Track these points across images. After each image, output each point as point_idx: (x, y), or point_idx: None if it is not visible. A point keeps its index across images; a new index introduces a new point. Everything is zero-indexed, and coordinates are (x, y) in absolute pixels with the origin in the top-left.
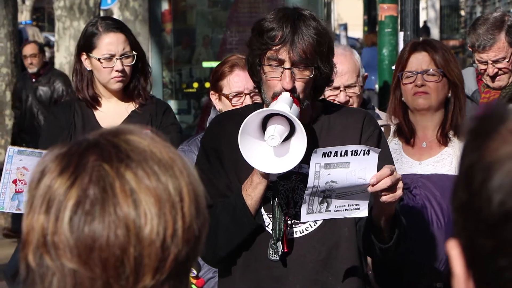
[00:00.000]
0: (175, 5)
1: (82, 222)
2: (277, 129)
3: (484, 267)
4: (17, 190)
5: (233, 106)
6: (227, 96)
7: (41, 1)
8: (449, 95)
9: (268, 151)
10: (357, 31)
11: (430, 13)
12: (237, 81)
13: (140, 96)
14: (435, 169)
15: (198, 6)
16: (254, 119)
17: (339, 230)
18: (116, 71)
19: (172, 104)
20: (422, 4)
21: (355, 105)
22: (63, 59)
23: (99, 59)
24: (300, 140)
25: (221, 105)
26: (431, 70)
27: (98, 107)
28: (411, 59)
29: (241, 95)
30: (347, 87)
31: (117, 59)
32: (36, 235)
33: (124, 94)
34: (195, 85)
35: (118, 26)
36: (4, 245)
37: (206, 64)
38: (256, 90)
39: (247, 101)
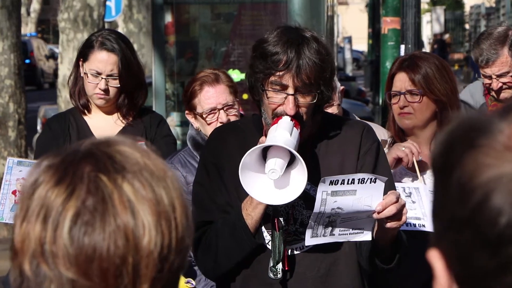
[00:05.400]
0: (178, 17)
1: (82, 232)
2: (277, 163)
3: (483, 282)
4: (16, 201)
5: (209, 124)
6: (201, 115)
7: (46, 13)
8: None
9: (269, 183)
10: (361, 44)
11: (435, 26)
12: (208, 97)
13: (128, 115)
14: None
15: (201, 19)
16: (253, 152)
17: (338, 246)
18: (99, 88)
19: (175, 116)
20: (427, 18)
21: (335, 113)
22: (67, 71)
23: (85, 73)
24: (300, 173)
25: (197, 123)
26: (413, 90)
27: (89, 115)
28: (396, 78)
29: (215, 111)
30: None
31: (102, 78)
32: (33, 244)
33: (114, 108)
34: None
35: (114, 48)
36: (5, 257)
37: None
38: (230, 104)
39: (222, 115)
